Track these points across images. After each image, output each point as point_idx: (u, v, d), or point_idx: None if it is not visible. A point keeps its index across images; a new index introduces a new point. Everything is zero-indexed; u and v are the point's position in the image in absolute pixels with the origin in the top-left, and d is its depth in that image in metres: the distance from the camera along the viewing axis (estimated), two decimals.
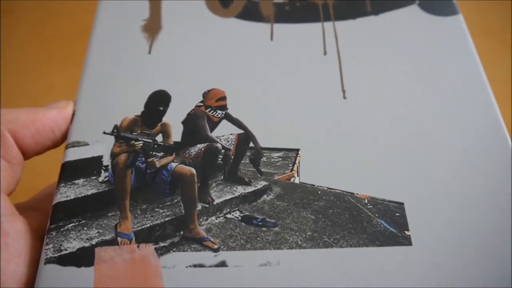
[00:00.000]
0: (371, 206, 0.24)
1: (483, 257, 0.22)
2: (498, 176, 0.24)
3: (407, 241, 0.23)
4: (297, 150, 0.25)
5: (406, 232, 0.23)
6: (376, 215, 0.24)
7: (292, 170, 0.25)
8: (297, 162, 0.25)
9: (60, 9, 1.04)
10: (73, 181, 0.25)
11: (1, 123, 0.24)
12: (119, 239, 0.23)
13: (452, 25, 0.30)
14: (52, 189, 0.28)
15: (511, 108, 0.70)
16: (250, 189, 0.25)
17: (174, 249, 0.23)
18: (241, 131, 0.26)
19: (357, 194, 0.24)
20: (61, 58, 0.95)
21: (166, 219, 0.24)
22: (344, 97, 0.27)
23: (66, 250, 0.23)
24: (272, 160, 0.25)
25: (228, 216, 0.24)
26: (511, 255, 0.22)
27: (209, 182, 0.25)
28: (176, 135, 0.26)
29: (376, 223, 0.23)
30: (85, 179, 0.25)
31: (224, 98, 0.27)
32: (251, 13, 0.31)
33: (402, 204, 0.24)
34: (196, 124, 0.26)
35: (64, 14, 1.03)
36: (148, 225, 0.23)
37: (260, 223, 0.24)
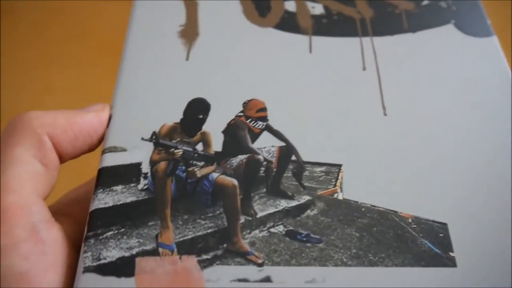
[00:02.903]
0: (415, 226, 0.24)
1: None
2: None
3: (451, 263, 0.23)
4: (340, 165, 0.25)
5: (450, 253, 0.23)
6: (421, 235, 0.23)
7: (335, 185, 0.25)
8: (340, 177, 0.25)
9: (60, 9, 1.03)
10: (111, 188, 0.24)
11: (40, 127, 0.23)
12: (160, 249, 0.22)
13: (487, 47, 0.30)
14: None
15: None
16: (293, 203, 0.24)
17: (217, 262, 0.22)
18: (283, 144, 0.26)
19: (401, 213, 0.24)
20: (61, 58, 0.95)
21: (209, 230, 0.23)
22: (385, 114, 0.27)
23: (105, 259, 0.22)
24: (315, 174, 0.25)
25: (272, 230, 0.23)
26: None
27: (252, 194, 0.24)
28: (216, 145, 0.26)
29: (421, 243, 0.23)
30: (123, 186, 0.24)
31: (264, 109, 0.27)
32: (288, 24, 0.31)
33: (445, 224, 0.24)
34: (237, 134, 0.26)
35: (64, 14, 1.02)
36: (190, 236, 0.23)
37: (304, 239, 0.23)
